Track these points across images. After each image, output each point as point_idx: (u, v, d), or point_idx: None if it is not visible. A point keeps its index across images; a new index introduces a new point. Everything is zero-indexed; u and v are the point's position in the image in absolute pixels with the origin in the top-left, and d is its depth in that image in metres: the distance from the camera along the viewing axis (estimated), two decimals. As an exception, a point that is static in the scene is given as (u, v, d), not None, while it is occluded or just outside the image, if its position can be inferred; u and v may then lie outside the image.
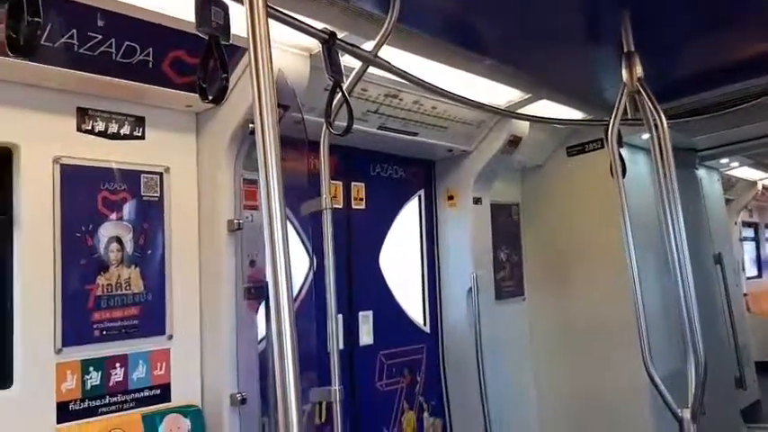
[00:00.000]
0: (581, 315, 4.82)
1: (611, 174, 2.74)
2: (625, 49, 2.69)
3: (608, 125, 2.75)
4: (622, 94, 2.69)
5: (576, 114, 4.30)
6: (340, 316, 3.37)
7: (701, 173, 6.21)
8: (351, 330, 3.95)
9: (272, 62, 1.36)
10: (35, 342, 2.55)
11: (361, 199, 4.14)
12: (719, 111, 3.75)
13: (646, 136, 4.54)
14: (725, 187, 7.22)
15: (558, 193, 5.04)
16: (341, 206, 3.97)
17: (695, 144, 5.70)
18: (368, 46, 2.36)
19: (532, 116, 3.87)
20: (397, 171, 4.41)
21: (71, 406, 2.61)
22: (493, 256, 4.69)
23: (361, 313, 4.04)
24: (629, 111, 2.85)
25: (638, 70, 2.65)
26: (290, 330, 1.21)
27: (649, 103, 2.63)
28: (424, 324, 4.50)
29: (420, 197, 4.60)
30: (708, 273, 5.78)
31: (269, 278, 1.25)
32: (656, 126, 2.65)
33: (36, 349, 2.55)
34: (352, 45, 2.30)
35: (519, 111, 3.90)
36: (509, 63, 3.31)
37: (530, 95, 3.87)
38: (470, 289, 4.34)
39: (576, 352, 4.85)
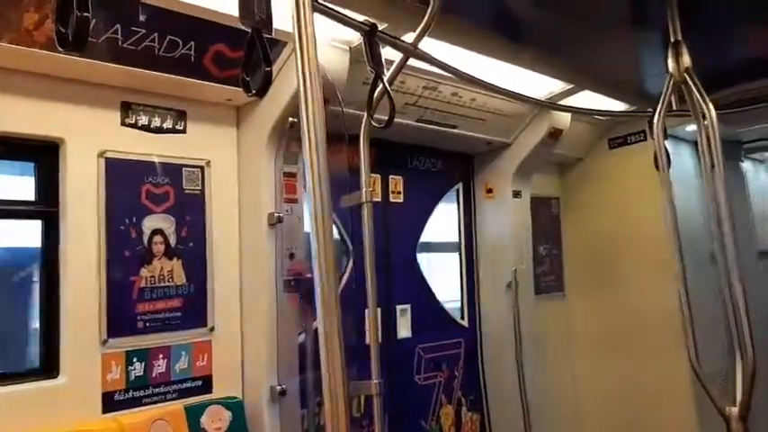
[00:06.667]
0: (623, 311, 4.73)
1: (656, 166, 2.67)
2: (672, 39, 2.61)
3: (652, 116, 2.67)
4: (669, 85, 2.61)
5: (618, 105, 4.22)
6: (378, 309, 3.36)
7: (746, 166, 6.04)
8: (389, 323, 3.94)
9: (317, 55, 1.35)
10: (81, 333, 2.60)
11: (399, 192, 4.13)
12: (768, 102, 3.63)
13: (690, 128, 4.47)
14: (772, 181, 7.00)
15: (599, 187, 4.96)
16: (379, 199, 3.96)
17: (740, 136, 5.53)
18: (408, 38, 2.33)
19: (574, 107, 3.81)
20: (435, 164, 4.38)
21: (116, 396, 2.66)
22: (532, 250, 4.64)
23: (398, 306, 4.03)
24: (673, 101, 2.77)
25: (686, 60, 2.56)
26: (337, 325, 1.20)
27: (697, 94, 2.55)
28: (462, 318, 4.48)
29: (458, 190, 4.57)
30: (751, 269, 5.62)
31: (315, 271, 1.25)
32: (703, 117, 2.57)
33: (82, 340, 2.60)
34: (392, 37, 2.28)
35: (560, 102, 3.83)
36: (552, 53, 3.26)
37: (571, 86, 3.81)
38: (509, 283, 4.30)
39: (617, 349, 4.77)
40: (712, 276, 4.46)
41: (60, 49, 1.45)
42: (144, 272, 2.77)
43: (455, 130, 3.90)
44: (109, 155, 2.71)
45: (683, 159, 4.80)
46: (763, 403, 2.68)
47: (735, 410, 2.32)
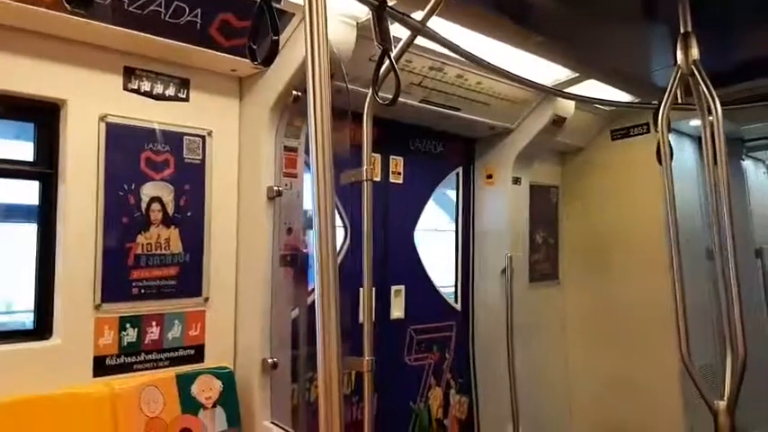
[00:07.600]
0: (616, 301, 4.75)
1: (658, 159, 2.65)
2: (682, 30, 2.59)
3: (657, 109, 2.65)
4: (676, 77, 2.59)
5: (622, 97, 4.20)
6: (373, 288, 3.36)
7: (747, 164, 6.04)
8: (382, 303, 3.95)
9: (327, 29, 1.33)
10: (76, 296, 2.60)
11: (399, 173, 4.11)
12: (776, 99, 3.60)
13: (693, 122, 4.46)
14: (772, 181, 6.99)
15: (599, 177, 4.96)
16: (378, 179, 3.95)
17: (742, 133, 5.53)
18: (417, 16, 2.31)
19: (581, 96, 3.78)
20: (435, 147, 4.37)
21: (107, 361, 2.67)
22: (529, 237, 4.64)
23: (393, 287, 4.03)
24: (679, 95, 2.75)
25: (695, 52, 2.54)
26: (335, 301, 1.20)
27: (704, 87, 2.53)
28: (456, 302, 4.49)
29: (458, 174, 4.56)
30: (747, 266, 5.64)
31: (315, 246, 1.24)
32: (708, 111, 2.55)
33: (76, 303, 2.60)
34: (401, 13, 2.25)
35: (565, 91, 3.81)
36: (559, 40, 3.23)
37: (576, 75, 3.79)
38: (504, 269, 4.31)
39: (609, 338, 4.80)
40: (706, 271, 4.52)
41: (67, 6, 1.43)
42: (140, 239, 2.76)
43: (458, 113, 3.88)
44: (110, 119, 2.69)
45: (683, 154, 4.80)
46: (750, 398, 2.69)
47: (723, 404, 2.33)
